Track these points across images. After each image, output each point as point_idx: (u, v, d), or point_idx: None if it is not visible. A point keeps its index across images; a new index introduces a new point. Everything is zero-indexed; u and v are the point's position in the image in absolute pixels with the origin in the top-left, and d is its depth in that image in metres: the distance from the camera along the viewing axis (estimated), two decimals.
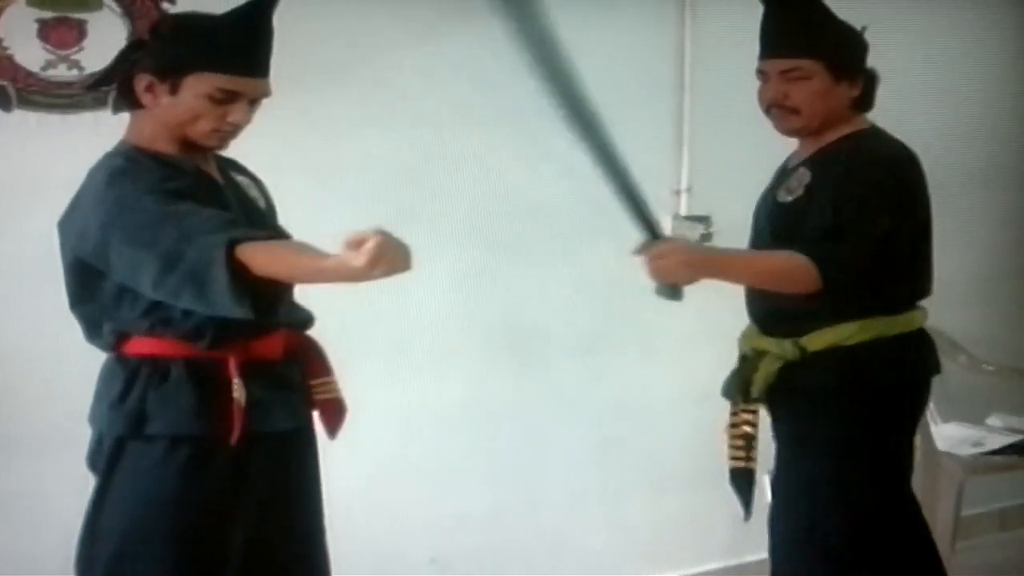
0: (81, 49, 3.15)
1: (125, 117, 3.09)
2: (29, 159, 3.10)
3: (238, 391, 2.23)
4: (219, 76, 2.22)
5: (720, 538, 4.06)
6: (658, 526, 4.02)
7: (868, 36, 2.94)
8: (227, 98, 2.23)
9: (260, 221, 2.38)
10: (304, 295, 2.46)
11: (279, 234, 2.40)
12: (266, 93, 2.31)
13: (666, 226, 3.98)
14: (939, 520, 4.08)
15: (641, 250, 2.72)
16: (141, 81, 2.25)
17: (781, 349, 2.83)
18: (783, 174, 3.05)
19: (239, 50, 2.24)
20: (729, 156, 4.15)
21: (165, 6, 3.23)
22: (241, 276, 1.99)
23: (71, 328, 2.94)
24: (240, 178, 2.46)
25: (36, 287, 3.06)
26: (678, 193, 4.06)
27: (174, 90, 2.22)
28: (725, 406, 2.96)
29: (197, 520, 2.26)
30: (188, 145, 2.29)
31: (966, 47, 4.62)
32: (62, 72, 3.14)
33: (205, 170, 2.34)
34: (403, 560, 3.60)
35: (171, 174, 2.21)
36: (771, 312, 2.89)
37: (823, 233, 2.77)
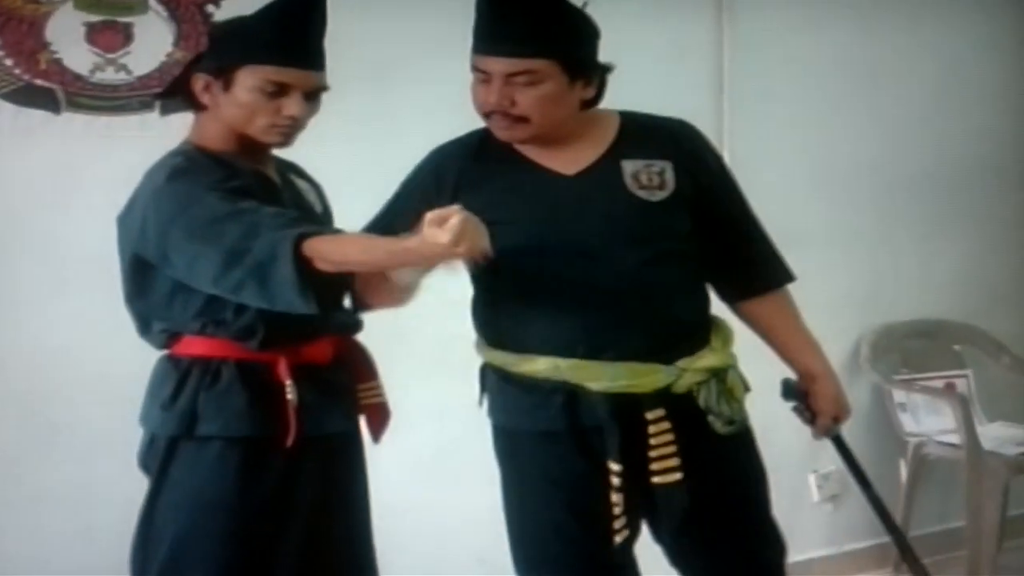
0: (128, 52, 3.19)
1: (170, 120, 3.16)
2: (76, 160, 3.14)
3: (291, 393, 2.24)
4: (266, 68, 2.22)
5: None
6: None
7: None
8: (279, 90, 2.23)
9: (315, 223, 2.36)
10: None
11: None
12: (321, 86, 2.30)
13: None
14: (985, 520, 4.07)
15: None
16: (198, 82, 2.28)
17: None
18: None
19: (283, 40, 2.23)
20: (768, 157, 4.15)
21: (209, 9, 3.27)
22: (306, 271, 2.01)
23: (118, 328, 2.97)
24: (299, 182, 2.47)
25: (83, 287, 3.11)
26: None
27: (228, 86, 2.23)
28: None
29: (249, 522, 2.26)
30: (249, 144, 2.29)
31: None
32: (109, 75, 3.17)
33: (264, 172, 2.35)
34: (452, 560, 3.61)
35: (231, 173, 2.22)
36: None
37: (755, 239, 2.63)
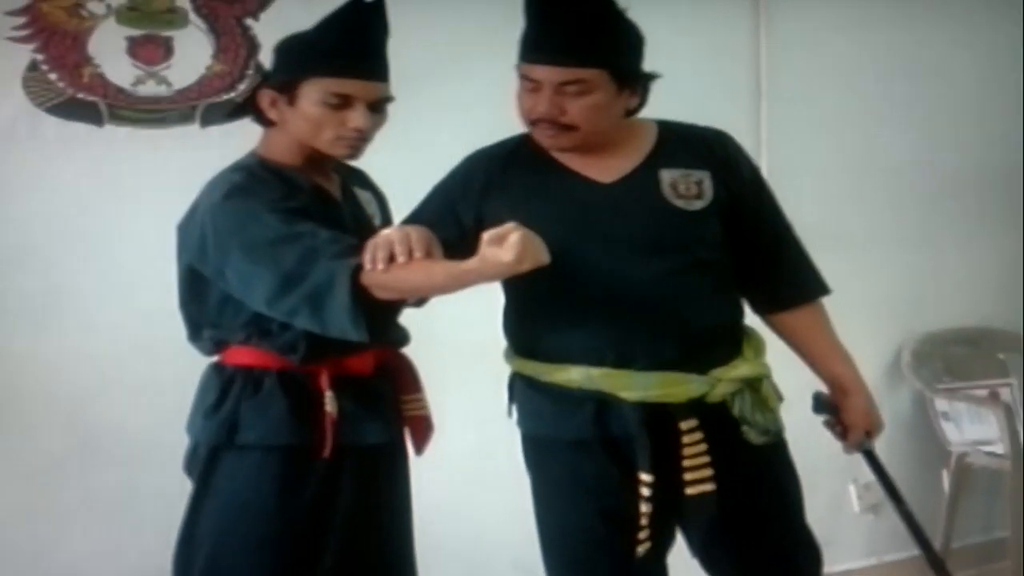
0: (168, 66, 3.23)
1: (210, 132, 3.20)
2: (119, 172, 3.18)
3: (330, 404, 2.25)
4: (328, 80, 2.21)
5: None
6: None
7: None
8: (342, 102, 2.22)
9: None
10: None
11: None
12: (385, 96, 2.29)
13: None
14: None
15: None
16: (264, 98, 2.28)
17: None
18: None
19: (344, 51, 2.23)
20: (807, 161, 4.13)
21: (248, 22, 3.30)
22: (361, 300, 2.01)
23: (161, 335, 3.01)
24: (361, 193, 2.47)
25: (126, 295, 3.15)
26: None
27: (292, 101, 2.23)
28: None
29: (289, 530, 2.27)
30: (317, 157, 2.30)
31: None
32: (150, 88, 3.21)
33: (325, 187, 2.35)
34: (487, 567, 3.62)
35: (290, 192, 2.22)
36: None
37: (790, 251, 2.62)
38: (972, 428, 4.31)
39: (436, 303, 2.37)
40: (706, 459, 2.37)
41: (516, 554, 3.43)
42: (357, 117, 2.23)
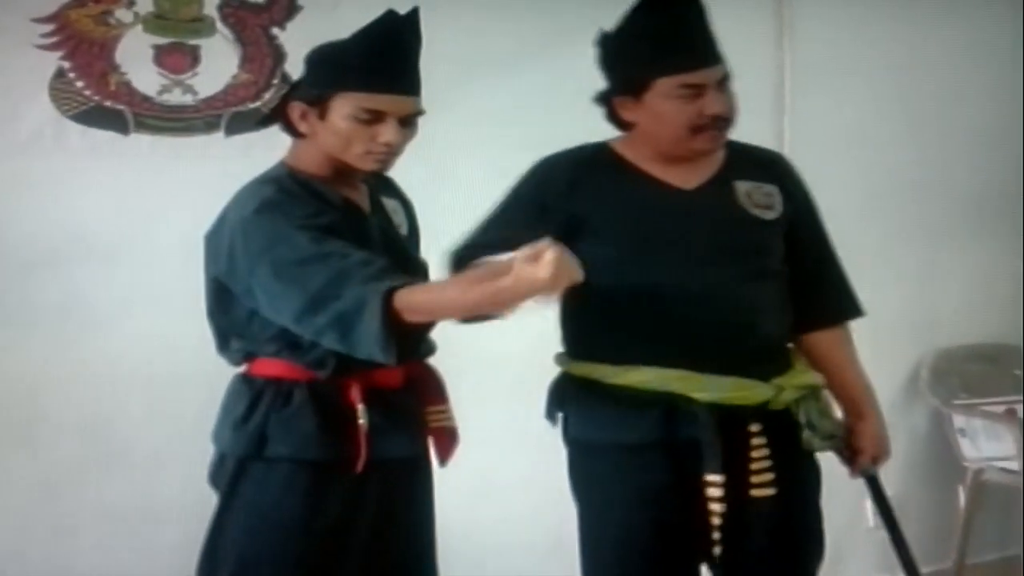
0: (195, 74, 3.25)
1: (234, 141, 3.21)
2: (144, 181, 3.19)
3: (363, 417, 2.23)
4: (360, 95, 2.20)
5: None
6: None
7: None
8: (373, 118, 2.21)
9: (399, 250, 2.37)
10: None
11: (416, 266, 2.41)
12: (416, 111, 2.28)
13: None
14: None
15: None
16: (295, 110, 2.26)
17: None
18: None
19: (376, 66, 2.21)
20: (829, 177, 4.12)
21: (274, 31, 3.32)
22: (391, 325, 2.01)
23: (184, 346, 3.03)
24: (389, 202, 2.45)
25: (150, 305, 3.16)
26: None
27: (323, 114, 2.22)
28: None
29: (313, 544, 2.26)
30: (345, 170, 2.29)
31: None
32: (176, 96, 3.23)
33: (353, 199, 2.33)
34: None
35: (320, 207, 2.21)
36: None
37: (832, 271, 2.68)
38: (988, 444, 4.31)
39: None
40: (770, 463, 2.40)
41: (532, 565, 3.45)
42: (388, 132, 2.22)
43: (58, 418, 3.14)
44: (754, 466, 2.40)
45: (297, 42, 3.27)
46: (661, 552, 2.43)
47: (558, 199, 2.46)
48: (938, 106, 4.32)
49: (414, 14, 2.27)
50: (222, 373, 3.19)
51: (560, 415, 2.55)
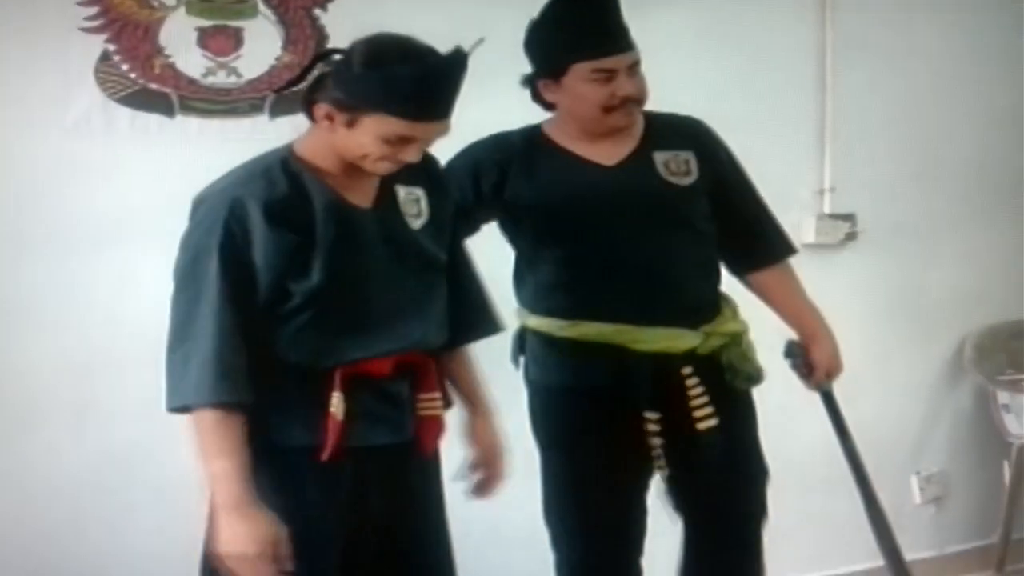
0: (239, 56, 3.26)
1: (279, 123, 3.22)
2: (192, 163, 3.19)
3: (336, 406, 2.21)
4: (399, 121, 2.16)
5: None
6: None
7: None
8: (402, 142, 2.19)
9: (403, 246, 2.34)
10: None
11: (426, 261, 2.39)
12: (444, 132, 2.24)
13: (810, 226, 3.98)
14: None
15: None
16: (321, 109, 2.22)
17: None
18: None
19: (424, 99, 2.16)
20: (871, 154, 4.12)
21: (316, 12, 3.33)
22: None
23: None
24: (408, 190, 2.39)
25: None
26: (821, 192, 4.04)
27: (351, 124, 2.18)
28: None
29: (314, 530, 2.24)
30: (354, 168, 2.26)
31: None
32: (221, 79, 3.25)
33: (347, 197, 2.29)
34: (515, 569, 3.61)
35: (276, 240, 2.20)
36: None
37: (762, 218, 2.94)
38: None
39: None
40: (706, 399, 2.74)
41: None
42: (412, 153, 2.22)
43: (113, 401, 3.15)
44: (693, 403, 2.73)
45: (339, 23, 3.28)
46: (614, 477, 2.79)
47: (489, 184, 2.76)
48: (983, 83, 4.29)
49: (466, 55, 2.19)
50: None
51: (521, 359, 2.89)
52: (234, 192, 2.21)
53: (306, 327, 2.22)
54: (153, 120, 3.19)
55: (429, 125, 2.19)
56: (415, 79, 2.14)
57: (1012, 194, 4.38)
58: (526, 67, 2.76)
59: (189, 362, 2.15)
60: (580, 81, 2.66)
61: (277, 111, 3.25)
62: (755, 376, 2.86)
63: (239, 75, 3.26)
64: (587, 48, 2.65)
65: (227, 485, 2.15)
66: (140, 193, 3.16)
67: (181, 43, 3.22)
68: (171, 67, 3.21)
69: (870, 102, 4.08)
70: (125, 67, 3.18)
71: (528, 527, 2.97)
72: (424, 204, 2.41)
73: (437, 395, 2.38)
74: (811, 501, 3.96)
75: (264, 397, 2.19)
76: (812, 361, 2.95)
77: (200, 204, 2.26)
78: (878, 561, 3.32)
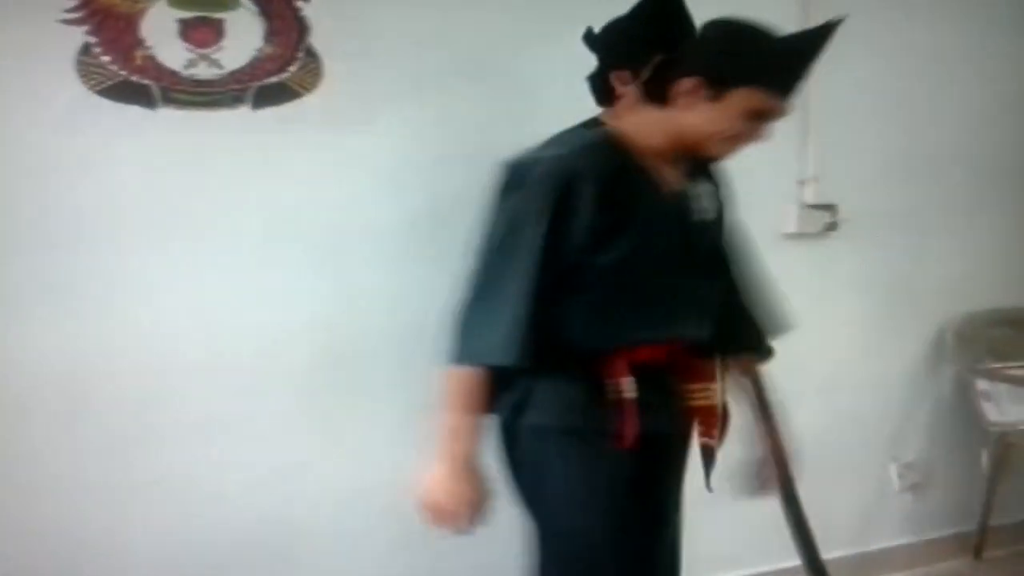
0: (220, 48, 3.25)
1: (264, 114, 3.22)
2: (172, 155, 3.20)
3: (630, 391, 2.26)
4: (767, 96, 2.23)
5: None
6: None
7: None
8: (759, 119, 2.24)
9: (696, 235, 2.41)
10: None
11: (712, 252, 2.48)
12: (789, 112, 2.32)
13: (792, 216, 4.00)
14: None
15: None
16: (684, 84, 2.25)
17: None
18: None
19: (794, 73, 2.25)
20: (854, 145, 4.13)
21: (298, 4, 3.32)
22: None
23: (218, 320, 3.05)
24: (704, 186, 2.46)
25: (191, 280, 3.17)
26: (803, 183, 4.05)
27: (716, 99, 2.23)
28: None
29: (612, 507, 2.30)
30: (686, 151, 2.30)
31: None
32: (202, 70, 3.23)
33: (667, 182, 2.35)
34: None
35: (605, 204, 2.23)
36: None
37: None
38: (1013, 409, 4.33)
39: None
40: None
41: None
42: (764, 132, 2.30)
43: (104, 387, 3.14)
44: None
45: (321, 15, 3.28)
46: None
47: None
48: (964, 76, 4.31)
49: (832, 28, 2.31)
50: (252, 347, 3.24)
51: None
52: (571, 163, 2.23)
53: (594, 305, 2.26)
54: (135, 112, 3.17)
55: (786, 103, 2.26)
56: (790, 53, 2.25)
57: (994, 184, 4.41)
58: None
59: (491, 322, 2.18)
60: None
61: (260, 103, 3.25)
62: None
63: (220, 67, 3.24)
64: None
65: (459, 441, 2.24)
66: (122, 185, 3.15)
67: (163, 35, 3.20)
68: (152, 59, 3.19)
69: (852, 93, 4.09)
70: (106, 59, 3.16)
71: None
72: (714, 199, 2.48)
73: (712, 385, 2.46)
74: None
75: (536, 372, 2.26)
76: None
77: (525, 169, 2.26)
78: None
